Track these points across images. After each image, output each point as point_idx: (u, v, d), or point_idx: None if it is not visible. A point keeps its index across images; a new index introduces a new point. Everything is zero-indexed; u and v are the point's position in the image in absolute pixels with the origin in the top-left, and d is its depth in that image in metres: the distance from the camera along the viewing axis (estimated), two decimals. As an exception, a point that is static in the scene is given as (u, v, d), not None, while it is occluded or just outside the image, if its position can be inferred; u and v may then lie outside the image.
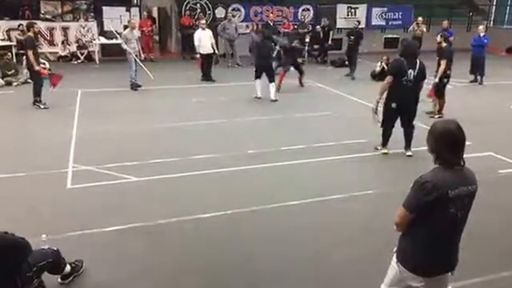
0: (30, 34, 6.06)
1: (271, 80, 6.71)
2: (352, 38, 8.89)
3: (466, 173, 1.67)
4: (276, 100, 6.58)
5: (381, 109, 4.28)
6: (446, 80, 5.74)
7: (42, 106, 5.98)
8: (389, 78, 4.15)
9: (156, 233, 3.00)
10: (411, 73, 4.09)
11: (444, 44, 5.81)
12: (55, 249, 2.33)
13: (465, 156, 1.65)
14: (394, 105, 4.13)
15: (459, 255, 1.76)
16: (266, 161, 4.23)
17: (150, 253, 2.76)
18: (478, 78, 8.18)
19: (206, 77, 8.16)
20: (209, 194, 3.55)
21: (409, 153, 4.34)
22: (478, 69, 8.12)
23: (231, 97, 6.96)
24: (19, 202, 3.39)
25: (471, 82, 8.23)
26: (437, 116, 5.62)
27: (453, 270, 1.76)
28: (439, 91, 5.77)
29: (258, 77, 6.71)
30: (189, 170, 4.00)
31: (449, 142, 1.61)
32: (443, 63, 5.63)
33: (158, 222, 3.10)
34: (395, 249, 1.79)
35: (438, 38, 5.85)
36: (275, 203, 3.38)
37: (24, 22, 9.64)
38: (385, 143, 4.40)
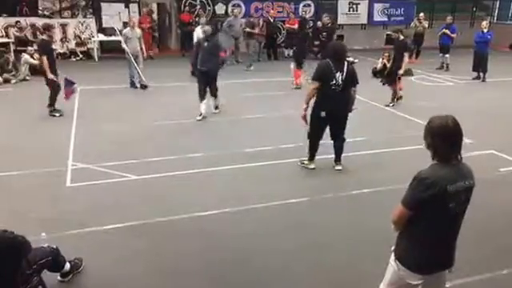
0: (44, 37, 5.45)
1: (215, 95, 5.52)
2: (324, 34, 8.76)
3: (464, 168, 1.66)
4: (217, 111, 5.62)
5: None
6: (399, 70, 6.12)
7: (57, 115, 5.48)
8: (314, 84, 3.63)
9: (155, 231, 2.99)
10: (339, 76, 3.59)
11: (402, 37, 6.20)
12: (55, 247, 2.33)
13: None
14: (323, 113, 3.64)
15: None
16: (263, 159, 4.20)
17: (149, 251, 2.75)
18: (481, 74, 8.11)
19: None
20: (208, 192, 3.54)
21: (338, 167, 3.92)
22: (481, 65, 8.05)
23: (229, 94, 6.91)
24: (18, 200, 3.38)
25: (474, 78, 8.17)
26: (391, 104, 6.16)
27: (451, 266, 1.75)
28: (394, 79, 6.15)
29: (203, 95, 5.37)
30: (188, 168, 3.99)
31: (446, 138, 1.60)
32: (406, 55, 6.07)
33: (157, 220, 3.10)
34: (393, 247, 1.78)
35: (395, 34, 6.31)
36: (275, 201, 3.37)
37: (22, 19, 9.66)
38: (312, 157, 3.88)
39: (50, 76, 5.42)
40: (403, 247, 1.72)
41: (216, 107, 5.73)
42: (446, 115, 1.66)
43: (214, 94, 5.62)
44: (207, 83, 5.44)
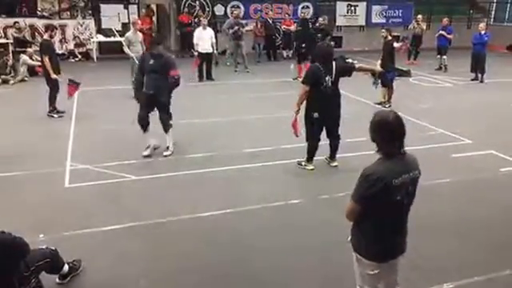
0: (46, 36, 5.47)
1: (166, 128, 4.13)
2: (319, 35, 8.78)
3: (408, 160, 1.71)
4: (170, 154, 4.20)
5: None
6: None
7: (56, 116, 5.45)
8: (305, 87, 3.70)
9: (155, 232, 2.97)
10: (329, 79, 3.67)
11: (390, 37, 6.19)
12: (53, 248, 2.31)
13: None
14: (315, 114, 3.72)
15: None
16: (263, 160, 4.19)
17: (148, 252, 2.73)
18: (479, 76, 8.15)
19: (207, 76, 8.06)
20: (207, 193, 3.53)
21: (334, 163, 3.99)
22: (478, 67, 8.09)
23: (230, 95, 6.93)
24: (17, 201, 3.36)
25: (472, 80, 8.21)
26: (387, 105, 6.05)
27: (403, 253, 1.82)
28: (388, 82, 6.07)
29: (145, 125, 4.11)
30: (187, 168, 3.97)
31: (387, 133, 1.67)
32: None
33: (156, 221, 3.08)
34: (349, 237, 1.84)
35: (384, 33, 6.25)
36: (274, 202, 3.36)
37: (20, 20, 9.64)
38: (311, 159, 3.92)
39: (54, 76, 5.39)
40: (358, 238, 1.79)
41: (167, 147, 4.19)
42: (388, 110, 1.73)
43: (165, 127, 4.13)
44: (151, 110, 4.10)
